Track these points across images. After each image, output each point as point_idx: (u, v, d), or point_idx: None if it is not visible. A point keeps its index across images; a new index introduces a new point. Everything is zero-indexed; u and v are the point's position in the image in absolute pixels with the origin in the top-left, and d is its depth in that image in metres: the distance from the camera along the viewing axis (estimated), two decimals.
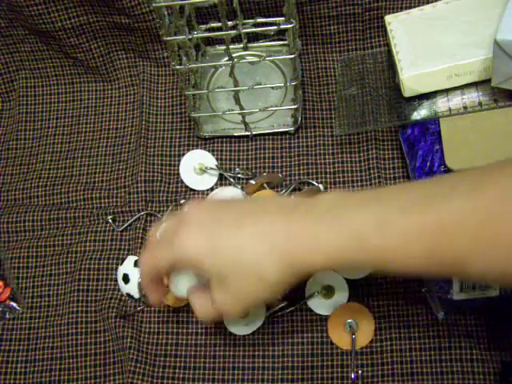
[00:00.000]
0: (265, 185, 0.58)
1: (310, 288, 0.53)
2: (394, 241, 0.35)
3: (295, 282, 0.40)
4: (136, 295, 0.54)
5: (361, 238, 0.36)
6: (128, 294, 0.55)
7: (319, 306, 0.52)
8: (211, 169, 0.60)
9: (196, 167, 0.60)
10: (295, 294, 0.54)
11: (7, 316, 0.56)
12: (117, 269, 0.56)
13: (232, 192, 0.58)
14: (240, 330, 0.52)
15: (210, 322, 0.46)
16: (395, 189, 0.39)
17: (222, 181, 0.60)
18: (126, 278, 0.54)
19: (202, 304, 0.42)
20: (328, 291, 0.53)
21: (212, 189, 0.60)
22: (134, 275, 0.54)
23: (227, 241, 0.39)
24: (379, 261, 0.36)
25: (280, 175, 0.59)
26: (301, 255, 0.38)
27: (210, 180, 0.60)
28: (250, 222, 0.40)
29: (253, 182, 0.57)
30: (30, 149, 0.66)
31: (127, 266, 0.55)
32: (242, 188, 0.58)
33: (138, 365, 0.52)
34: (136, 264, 0.54)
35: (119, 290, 0.56)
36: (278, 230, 0.38)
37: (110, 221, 0.59)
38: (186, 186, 0.60)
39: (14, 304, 0.57)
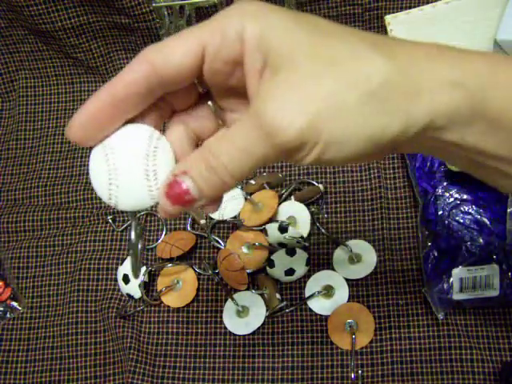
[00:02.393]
0: (265, 185, 0.58)
1: (310, 288, 0.53)
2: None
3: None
4: (136, 295, 0.54)
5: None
6: (128, 295, 0.55)
7: (319, 305, 0.52)
8: None
9: None
10: (295, 293, 0.54)
11: (8, 316, 0.56)
12: (117, 269, 0.56)
13: (232, 192, 0.58)
14: (240, 329, 0.52)
15: (231, 171, 0.26)
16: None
17: None
18: (126, 279, 0.54)
19: (239, 131, 0.25)
20: (328, 291, 0.53)
21: None
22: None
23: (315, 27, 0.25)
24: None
25: (280, 175, 0.59)
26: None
27: None
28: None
29: (253, 181, 0.57)
30: (30, 149, 0.66)
31: (127, 267, 0.55)
32: (242, 188, 0.58)
33: (138, 365, 0.52)
34: None
35: (119, 290, 0.56)
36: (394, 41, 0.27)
37: (110, 221, 0.59)
38: None
39: (15, 304, 0.57)
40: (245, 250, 0.54)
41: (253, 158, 0.24)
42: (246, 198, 0.57)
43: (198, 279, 0.55)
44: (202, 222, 0.57)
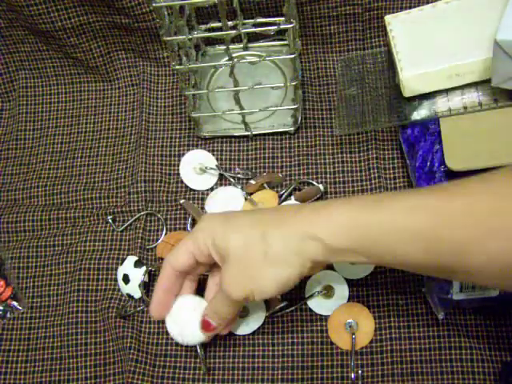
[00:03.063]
0: (265, 185, 0.58)
1: (310, 288, 0.53)
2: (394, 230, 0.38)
3: (297, 275, 0.42)
4: (136, 295, 0.54)
5: (359, 229, 0.39)
6: (128, 295, 0.55)
7: (319, 305, 0.52)
8: (211, 169, 0.60)
9: (196, 167, 0.60)
10: (295, 293, 0.54)
11: (8, 315, 0.56)
12: (117, 269, 0.56)
13: (232, 192, 0.58)
14: (240, 329, 0.52)
15: (219, 315, 0.46)
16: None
17: (222, 181, 0.60)
18: (126, 279, 0.54)
19: (211, 296, 0.47)
20: (328, 291, 0.53)
21: (212, 189, 0.60)
22: (134, 275, 0.54)
23: (243, 216, 0.44)
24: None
25: (280, 175, 0.59)
26: (307, 225, 0.40)
27: (210, 180, 0.60)
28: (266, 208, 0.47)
29: (253, 181, 0.57)
30: (30, 149, 0.66)
31: (127, 267, 0.55)
32: (242, 188, 0.58)
33: (138, 365, 0.52)
34: (136, 264, 0.54)
35: (119, 290, 0.56)
36: (292, 207, 0.43)
37: (110, 221, 0.59)
38: (186, 186, 0.60)
39: (16, 303, 0.57)
40: None
41: (228, 306, 0.45)
42: (245, 198, 0.57)
43: (198, 278, 0.55)
44: None
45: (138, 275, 0.54)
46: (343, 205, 0.40)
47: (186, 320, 0.47)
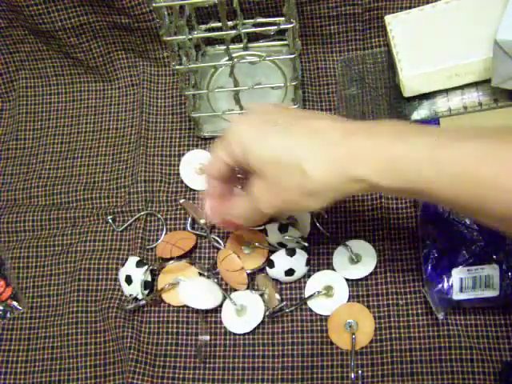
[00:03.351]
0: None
1: (310, 288, 0.53)
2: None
3: (334, 200, 0.39)
4: (139, 296, 0.54)
5: (414, 159, 0.35)
6: (131, 295, 0.54)
7: (319, 306, 0.52)
8: None
9: (196, 167, 0.60)
10: (295, 293, 0.54)
11: (8, 315, 0.56)
12: (117, 269, 0.56)
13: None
14: (240, 328, 0.52)
15: (248, 220, 0.47)
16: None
17: None
18: (128, 280, 0.54)
19: (240, 203, 0.45)
20: (328, 291, 0.53)
21: None
22: (137, 276, 0.54)
23: (276, 135, 0.39)
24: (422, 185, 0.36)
25: None
26: (351, 163, 0.37)
27: None
28: (302, 122, 0.40)
29: None
30: (30, 149, 0.66)
31: (129, 267, 0.55)
32: (242, 188, 0.58)
33: (138, 365, 0.52)
34: (138, 265, 0.54)
35: (119, 290, 0.56)
36: (333, 133, 0.38)
37: (110, 221, 0.59)
38: (186, 186, 0.60)
39: (16, 303, 0.57)
40: (245, 250, 0.54)
41: (255, 214, 0.44)
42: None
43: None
44: (202, 221, 0.57)
45: (140, 275, 0.54)
46: (395, 140, 0.36)
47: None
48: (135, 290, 0.54)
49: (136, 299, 0.54)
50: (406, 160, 0.35)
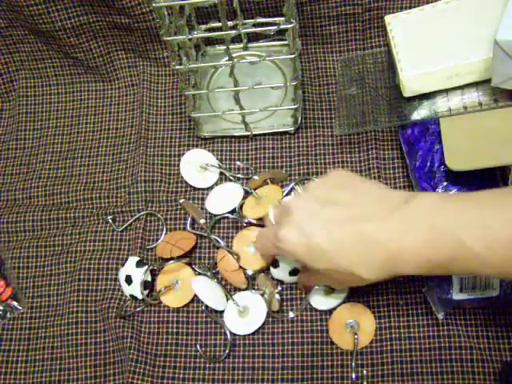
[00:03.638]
0: (268, 180, 0.58)
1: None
2: (498, 250, 0.36)
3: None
4: (139, 296, 0.54)
5: (462, 245, 0.37)
6: (131, 295, 0.54)
7: (319, 301, 0.52)
8: (212, 166, 0.60)
9: (197, 165, 0.60)
10: (295, 293, 0.54)
11: (8, 315, 0.56)
12: (117, 269, 0.56)
13: (231, 187, 0.58)
14: (240, 329, 0.52)
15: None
16: (497, 194, 0.39)
17: (222, 181, 0.60)
18: (128, 280, 0.54)
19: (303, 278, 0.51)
20: (329, 287, 0.52)
21: (213, 187, 0.60)
22: (137, 276, 0.54)
23: (325, 239, 0.42)
24: (471, 266, 0.38)
25: (284, 171, 0.58)
26: (399, 263, 0.40)
27: (212, 178, 0.60)
28: (350, 224, 0.41)
29: (256, 177, 0.57)
30: (30, 149, 0.66)
31: (129, 268, 0.55)
32: (242, 184, 0.58)
33: (138, 365, 0.52)
34: (138, 265, 0.54)
35: (119, 289, 0.56)
36: (379, 233, 0.40)
37: (110, 221, 0.59)
38: (186, 186, 0.60)
39: (16, 303, 0.57)
40: (251, 249, 0.54)
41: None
42: (249, 193, 0.57)
43: None
44: (202, 221, 0.57)
45: (140, 275, 0.54)
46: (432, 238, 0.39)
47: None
48: (135, 290, 0.54)
49: (136, 298, 0.54)
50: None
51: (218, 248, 0.56)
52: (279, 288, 0.53)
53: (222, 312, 0.53)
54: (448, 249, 0.37)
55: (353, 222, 0.41)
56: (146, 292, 0.54)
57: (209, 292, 0.52)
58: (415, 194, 0.42)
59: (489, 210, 0.37)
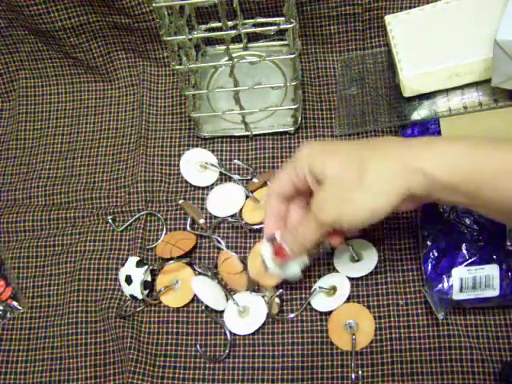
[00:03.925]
0: (268, 182, 0.58)
1: (314, 291, 0.53)
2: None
3: (391, 201, 0.40)
4: (139, 296, 0.54)
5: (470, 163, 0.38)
6: (131, 295, 0.54)
7: (320, 303, 0.52)
8: (212, 165, 0.60)
9: (197, 164, 0.60)
10: (295, 293, 0.54)
11: (8, 315, 0.56)
12: (117, 268, 0.56)
13: (232, 188, 0.58)
14: (240, 330, 0.52)
15: (300, 241, 0.46)
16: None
17: (222, 182, 0.60)
18: (128, 280, 0.54)
19: (303, 225, 0.46)
20: (331, 290, 0.52)
21: (213, 186, 0.60)
22: (137, 276, 0.54)
23: (340, 145, 0.44)
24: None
25: None
26: (410, 157, 0.39)
27: (212, 176, 0.60)
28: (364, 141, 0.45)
29: (256, 180, 0.57)
30: (30, 149, 0.66)
31: (129, 268, 0.55)
32: (243, 184, 0.58)
33: (138, 365, 0.52)
34: (138, 265, 0.54)
35: (119, 290, 0.56)
36: (394, 143, 0.41)
37: (110, 221, 0.59)
38: (186, 186, 0.60)
39: (16, 303, 0.57)
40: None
41: (312, 231, 0.44)
42: (247, 196, 0.57)
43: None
44: (202, 221, 0.57)
45: (140, 275, 0.54)
46: (453, 141, 0.39)
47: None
48: (135, 290, 0.54)
49: (136, 298, 0.54)
50: (462, 157, 0.38)
51: (218, 249, 0.56)
52: (280, 291, 0.53)
53: (221, 312, 0.53)
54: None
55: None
56: (146, 292, 0.54)
57: (209, 292, 0.52)
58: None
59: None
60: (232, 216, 0.57)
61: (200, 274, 0.55)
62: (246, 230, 0.56)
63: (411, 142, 0.41)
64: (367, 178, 0.40)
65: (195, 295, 0.54)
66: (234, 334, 0.52)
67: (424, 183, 0.39)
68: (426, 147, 0.39)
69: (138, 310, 0.54)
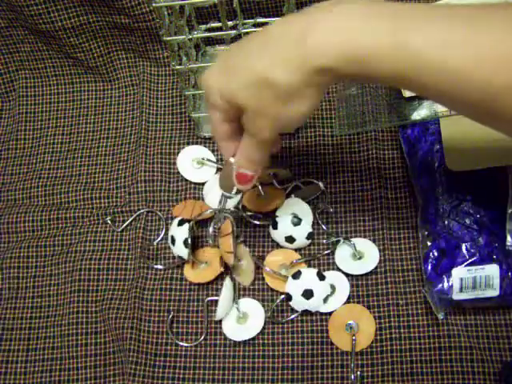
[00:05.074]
0: (274, 181, 0.57)
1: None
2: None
3: (314, 98, 0.38)
4: (185, 256, 0.54)
5: (397, 39, 0.34)
6: (179, 256, 0.54)
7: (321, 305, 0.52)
8: (209, 160, 0.60)
9: (194, 160, 0.60)
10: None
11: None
12: (117, 269, 0.56)
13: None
14: (238, 335, 0.52)
15: (255, 160, 0.45)
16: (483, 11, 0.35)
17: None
18: (173, 240, 0.54)
19: (242, 144, 0.44)
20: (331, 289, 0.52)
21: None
22: (178, 236, 0.54)
23: (237, 67, 0.39)
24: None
25: (285, 170, 0.58)
26: (312, 56, 0.36)
27: (209, 172, 0.60)
28: (255, 36, 0.39)
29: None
30: (30, 149, 0.66)
31: (173, 228, 0.55)
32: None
33: (138, 367, 0.52)
34: (179, 224, 0.54)
35: (119, 290, 0.56)
36: (287, 37, 0.37)
37: (109, 222, 0.59)
38: (186, 185, 0.60)
39: None
40: (282, 271, 0.54)
41: (258, 148, 0.43)
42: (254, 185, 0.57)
43: (222, 272, 0.54)
44: (210, 229, 0.56)
45: (180, 235, 0.54)
46: (358, 24, 0.35)
47: None
48: (179, 250, 0.54)
49: (182, 258, 0.54)
50: (367, 49, 0.34)
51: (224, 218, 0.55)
52: (281, 297, 0.53)
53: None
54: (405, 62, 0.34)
55: (260, 33, 0.39)
56: (186, 250, 0.54)
57: (227, 302, 0.52)
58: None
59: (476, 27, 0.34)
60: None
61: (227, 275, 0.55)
62: (247, 218, 0.56)
63: (311, 36, 0.36)
64: (279, 92, 0.38)
65: (209, 282, 0.54)
66: (232, 340, 0.52)
67: (335, 77, 0.37)
68: (327, 42, 0.35)
69: (176, 264, 0.54)
